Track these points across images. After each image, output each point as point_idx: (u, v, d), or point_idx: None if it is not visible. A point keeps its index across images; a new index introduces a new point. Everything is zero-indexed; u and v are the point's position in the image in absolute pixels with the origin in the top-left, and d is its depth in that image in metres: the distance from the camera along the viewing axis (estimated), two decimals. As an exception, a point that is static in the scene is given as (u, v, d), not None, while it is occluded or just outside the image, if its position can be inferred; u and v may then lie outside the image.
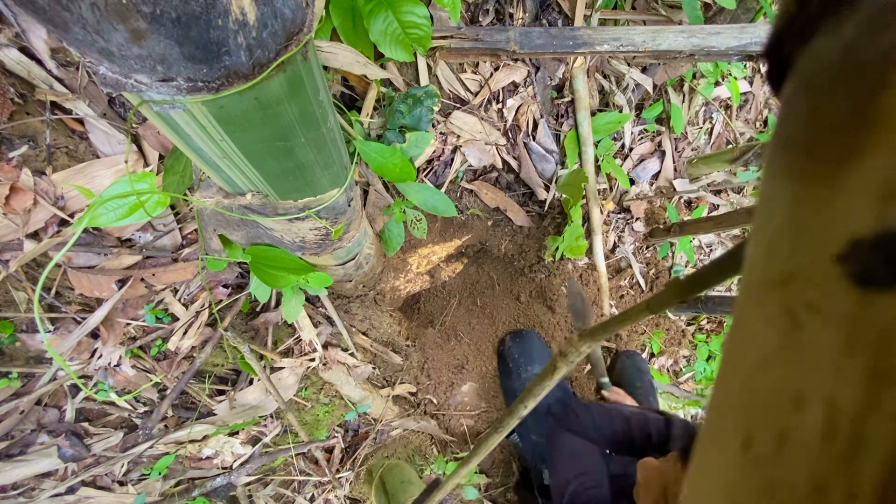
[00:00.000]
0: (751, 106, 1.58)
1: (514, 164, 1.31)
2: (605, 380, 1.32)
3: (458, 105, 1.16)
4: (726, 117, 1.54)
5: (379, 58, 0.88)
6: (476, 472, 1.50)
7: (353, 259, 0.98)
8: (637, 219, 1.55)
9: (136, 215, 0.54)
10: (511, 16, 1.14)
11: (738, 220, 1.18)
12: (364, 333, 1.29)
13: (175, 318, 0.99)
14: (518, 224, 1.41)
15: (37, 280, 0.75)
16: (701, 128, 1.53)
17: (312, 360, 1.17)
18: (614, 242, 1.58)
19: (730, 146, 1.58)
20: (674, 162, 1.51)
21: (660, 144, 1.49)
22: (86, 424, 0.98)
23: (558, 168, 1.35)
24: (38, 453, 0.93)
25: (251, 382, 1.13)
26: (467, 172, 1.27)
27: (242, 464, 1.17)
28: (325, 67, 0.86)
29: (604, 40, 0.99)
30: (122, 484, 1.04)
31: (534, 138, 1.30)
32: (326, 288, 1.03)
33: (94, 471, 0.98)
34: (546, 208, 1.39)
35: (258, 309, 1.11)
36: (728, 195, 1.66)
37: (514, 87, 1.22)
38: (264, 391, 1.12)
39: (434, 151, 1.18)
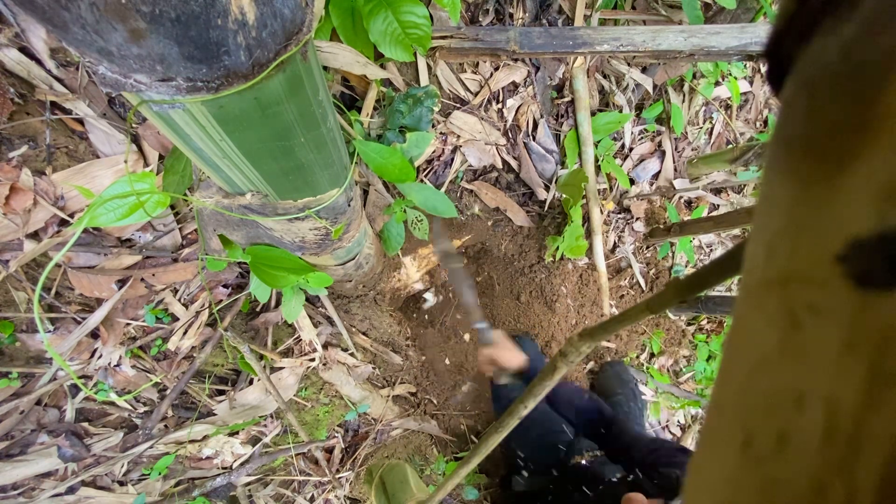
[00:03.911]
0: (751, 106, 1.58)
1: (514, 164, 1.31)
2: (483, 325, 1.02)
3: (458, 105, 1.16)
4: (726, 117, 1.53)
5: (379, 58, 0.88)
6: (476, 472, 1.50)
7: (353, 259, 0.98)
8: (637, 219, 1.55)
9: (136, 215, 0.54)
10: (511, 16, 1.14)
11: (738, 220, 1.18)
12: (364, 333, 1.29)
13: (175, 318, 0.99)
14: (518, 224, 1.41)
15: (37, 280, 0.75)
16: (701, 128, 1.53)
17: (312, 360, 1.17)
18: (614, 242, 1.58)
19: (730, 146, 1.58)
20: (674, 162, 1.51)
21: (660, 144, 1.49)
22: (86, 424, 0.98)
23: (558, 168, 1.35)
24: (38, 453, 0.93)
25: (251, 382, 1.13)
26: (467, 172, 1.27)
27: (242, 464, 1.17)
28: (325, 67, 0.86)
29: (604, 40, 0.99)
30: (122, 484, 1.04)
31: (534, 138, 1.30)
32: (326, 288, 1.03)
33: (94, 471, 0.98)
34: (546, 208, 1.39)
35: (258, 309, 1.11)
36: (728, 195, 1.66)
37: (514, 87, 1.22)
38: (264, 391, 1.12)
39: (434, 151, 1.18)
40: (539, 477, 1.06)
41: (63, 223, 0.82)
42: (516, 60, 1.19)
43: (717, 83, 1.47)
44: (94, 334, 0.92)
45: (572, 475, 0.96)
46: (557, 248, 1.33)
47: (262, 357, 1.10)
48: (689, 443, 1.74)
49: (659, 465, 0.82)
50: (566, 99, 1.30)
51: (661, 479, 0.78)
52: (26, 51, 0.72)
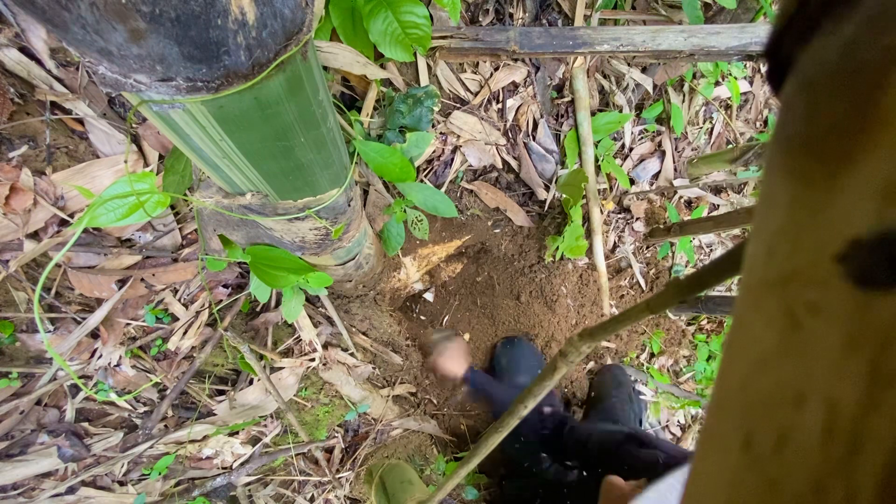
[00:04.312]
0: (751, 106, 1.58)
1: (514, 164, 1.31)
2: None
3: (458, 105, 1.16)
4: (726, 117, 1.53)
5: (379, 58, 0.88)
6: (476, 472, 1.50)
7: (353, 259, 0.98)
8: (637, 219, 1.55)
9: (136, 215, 0.54)
10: (511, 16, 1.13)
11: (738, 220, 1.18)
12: (364, 333, 1.29)
13: (175, 318, 0.99)
14: (518, 224, 1.41)
15: (37, 280, 0.75)
16: (701, 128, 1.53)
17: (312, 360, 1.17)
18: (614, 242, 1.58)
19: (730, 146, 1.58)
20: (674, 162, 1.51)
21: (660, 144, 1.49)
22: (86, 424, 0.98)
23: (558, 168, 1.35)
24: (38, 453, 0.93)
25: (251, 382, 1.13)
26: (467, 172, 1.27)
27: (242, 464, 1.17)
28: (325, 67, 0.86)
29: (604, 40, 0.99)
30: (122, 484, 1.04)
31: (534, 138, 1.30)
32: (326, 288, 1.03)
33: (94, 471, 0.98)
34: (546, 208, 1.39)
35: (258, 309, 1.11)
36: (728, 195, 1.66)
37: (514, 87, 1.22)
38: (264, 391, 1.12)
39: (434, 151, 1.18)
40: (526, 481, 1.07)
41: (63, 223, 0.82)
42: (516, 60, 1.19)
43: (717, 83, 1.47)
44: (94, 334, 0.92)
45: (556, 481, 0.97)
46: (557, 248, 1.33)
47: (262, 357, 1.10)
48: (689, 443, 1.74)
49: (625, 455, 0.82)
50: (566, 99, 1.30)
51: (634, 461, 0.78)
52: (26, 51, 0.71)
